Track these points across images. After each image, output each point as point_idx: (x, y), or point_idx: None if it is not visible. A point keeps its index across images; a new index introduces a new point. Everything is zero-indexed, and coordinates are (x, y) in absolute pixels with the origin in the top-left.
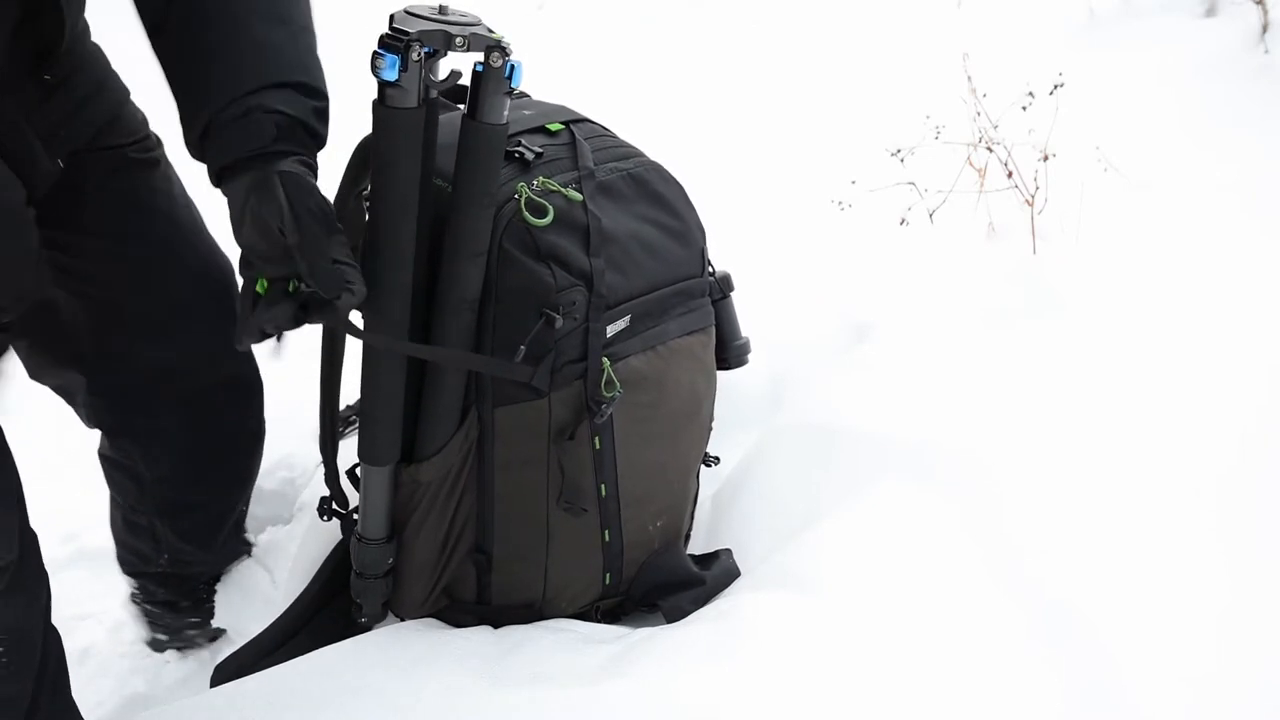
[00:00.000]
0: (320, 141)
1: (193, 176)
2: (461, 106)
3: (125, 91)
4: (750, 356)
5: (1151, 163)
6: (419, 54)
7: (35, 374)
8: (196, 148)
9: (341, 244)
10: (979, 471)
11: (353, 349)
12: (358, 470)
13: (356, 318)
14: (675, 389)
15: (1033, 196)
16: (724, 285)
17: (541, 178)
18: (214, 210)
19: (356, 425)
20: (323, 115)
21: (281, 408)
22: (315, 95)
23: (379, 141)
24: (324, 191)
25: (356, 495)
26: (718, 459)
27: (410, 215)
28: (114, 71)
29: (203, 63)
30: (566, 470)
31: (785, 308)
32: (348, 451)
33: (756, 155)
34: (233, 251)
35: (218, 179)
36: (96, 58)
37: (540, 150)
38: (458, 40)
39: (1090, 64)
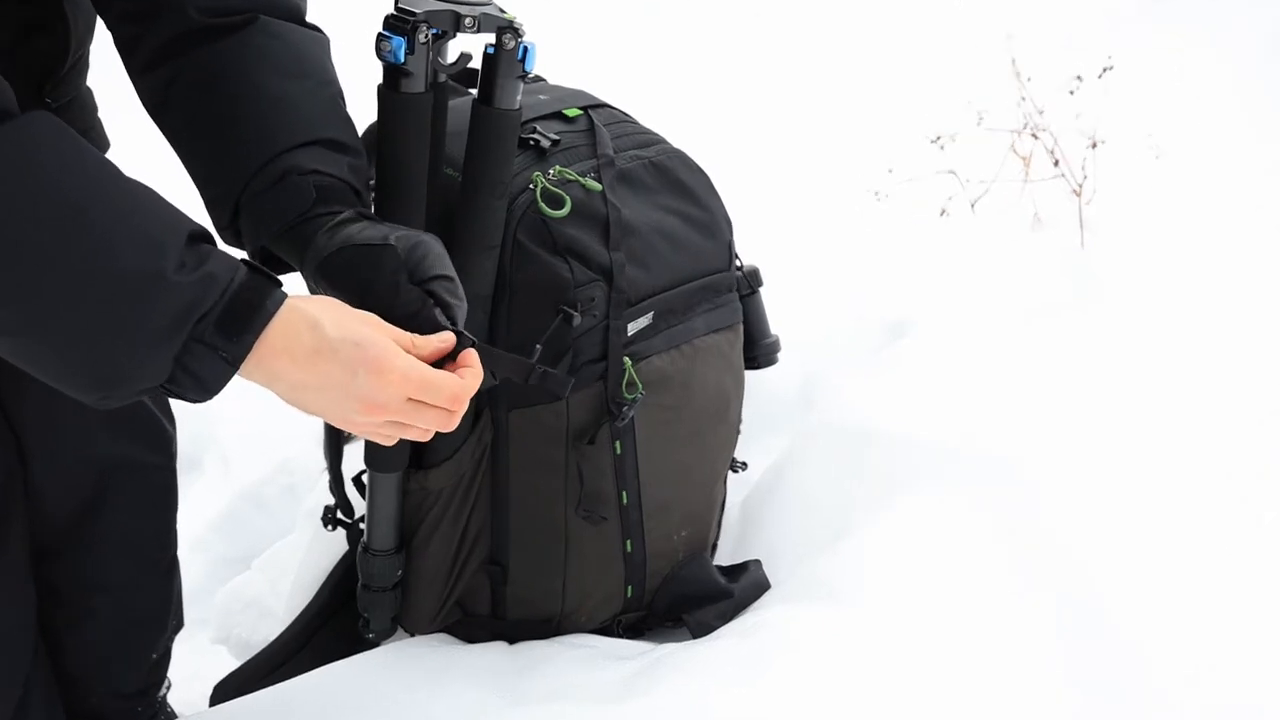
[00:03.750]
0: (365, 201)
1: None
2: (472, 91)
3: (106, 144)
4: (780, 355)
5: (1208, 150)
6: (426, 35)
7: None
8: (229, 231)
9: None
10: (1019, 478)
11: None
12: (364, 477)
13: None
14: (701, 390)
15: (1080, 186)
16: (752, 280)
17: (558, 166)
18: None
19: None
20: (360, 174)
21: (281, 410)
22: (348, 151)
23: (385, 129)
24: None
25: (363, 503)
26: (745, 464)
27: (419, 206)
28: (100, 122)
29: (219, 133)
30: (586, 476)
31: (817, 304)
32: (353, 457)
33: (788, 142)
34: None
35: (262, 259)
36: (88, 101)
37: (556, 137)
38: (467, 21)
39: (1142, 44)
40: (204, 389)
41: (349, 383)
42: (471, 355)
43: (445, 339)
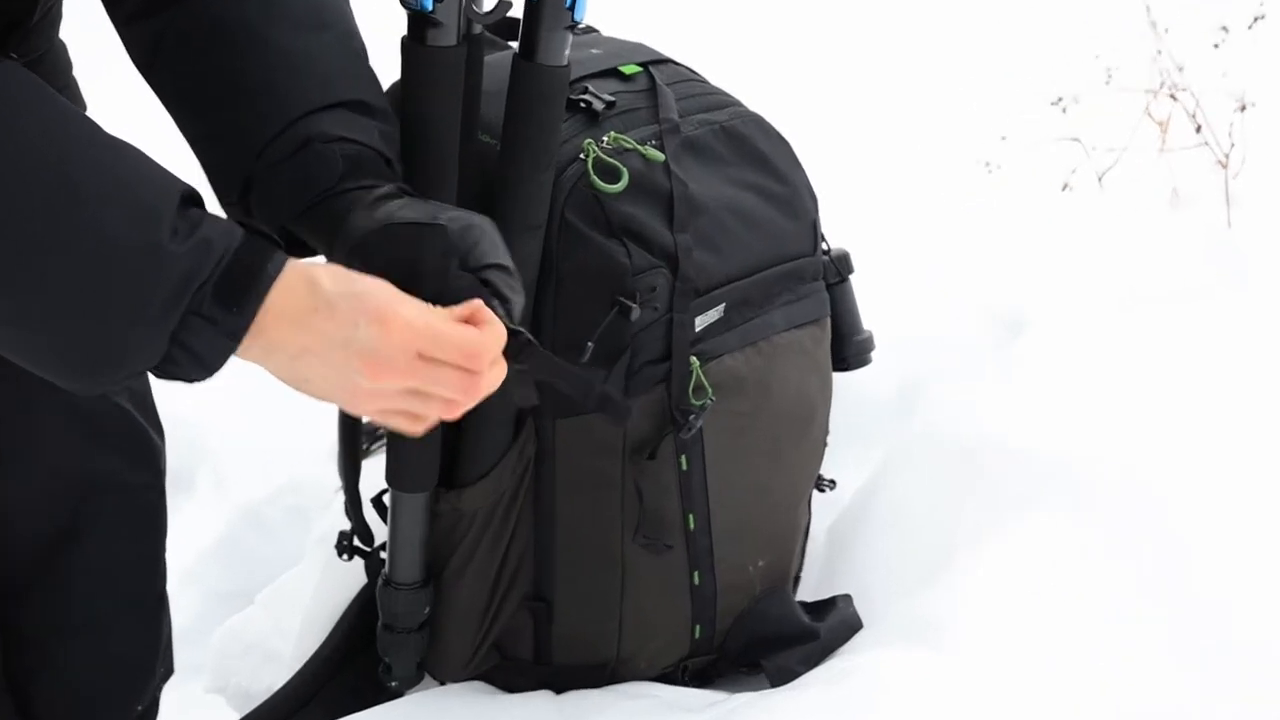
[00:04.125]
0: (396, 171)
1: None
2: (513, 45)
3: (83, 106)
4: (874, 355)
5: None
6: None
7: None
8: (238, 207)
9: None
10: (1154, 499)
11: None
12: (385, 497)
13: None
14: (781, 395)
15: (1227, 156)
16: (841, 266)
17: (614, 133)
18: None
19: (384, 441)
20: (392, 142)
21: (287, 419)
22: (377, 115)
23: (410, 88)
24: None
25: (384, 528)
26: (833, 482)
27: (449, 180)
28: (75, 81)
29: (223, 95)
30: (646, 496)
31: (917, 294)
32: (373, 474)
33: (882, 104)
34: None
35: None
36: (61, 57)
37: (612, 99)
38: None
39: None
40: (203, 366)
41: (351, 338)
42: (486, 312)
43: (471, 306)
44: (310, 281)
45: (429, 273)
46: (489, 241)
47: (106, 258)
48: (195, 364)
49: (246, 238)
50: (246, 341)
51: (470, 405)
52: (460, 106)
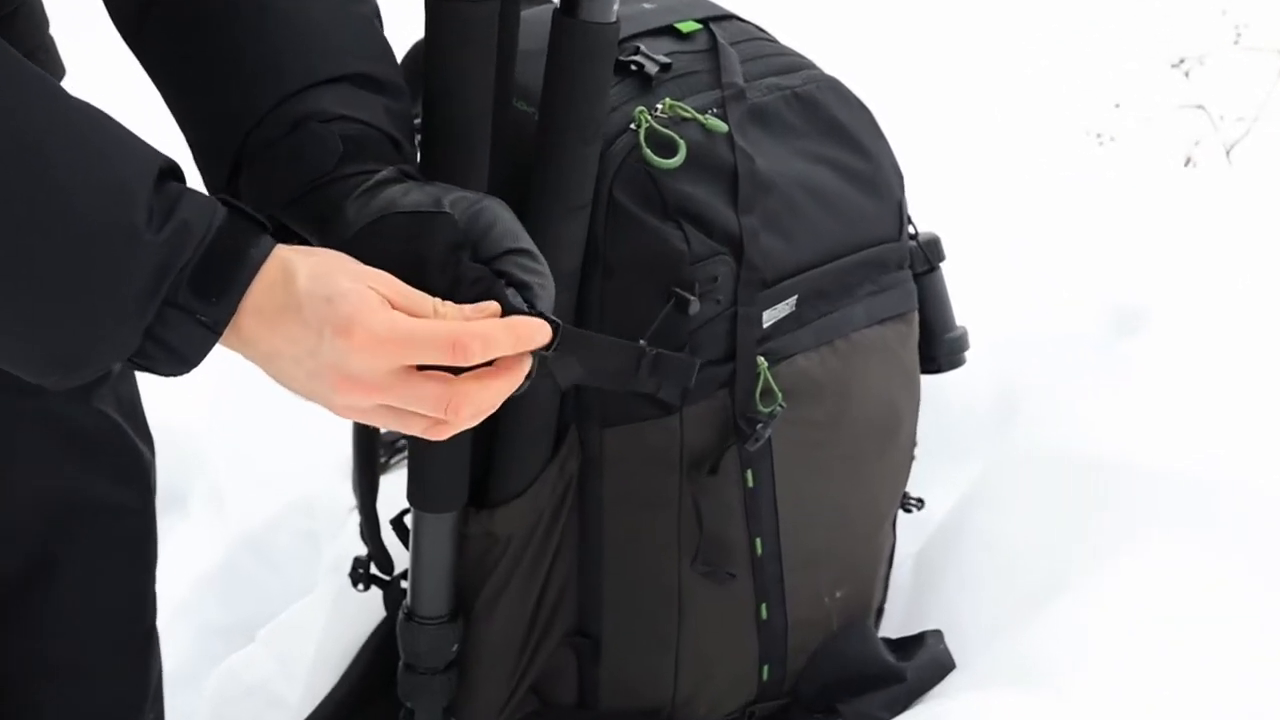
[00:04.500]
0: (408, 156)
1: None
2: None
3: (62, 70)
4: (968, 355)
5: None
6: None
7: None
8: (226, 193)
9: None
10: None
11: None
12: (407, 519)
13: None
14: (862, 401)
15: None
16: (931, 252)
17: (669, 100)
18: None
19: (405, 454)
20: (401, 120)
21: (298, 431)
22: (385, 90)
23: (436, 49)
24: None
25: (405, 554)
26: (921, 501)
27: (480, 153)
28: (52, 40)
29: (212, 66)
30: (706, 518)
31: (1018, 285)
32: (393, 492)
33: (976, 66)
34: None
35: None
36: (36, 12)
37: (667, 60)
38: None
39: None
40: (179, 360)
41: (316, 348)
42: (489, 305)
43: (484, 308)
44: (286, 274)
45: (435, 267)
46: (503, 224)
47: (73, 240)
48: (171, 359)
49: (229, 217)
50: (225, 333)
51: (460, 426)
52: (493, 70)
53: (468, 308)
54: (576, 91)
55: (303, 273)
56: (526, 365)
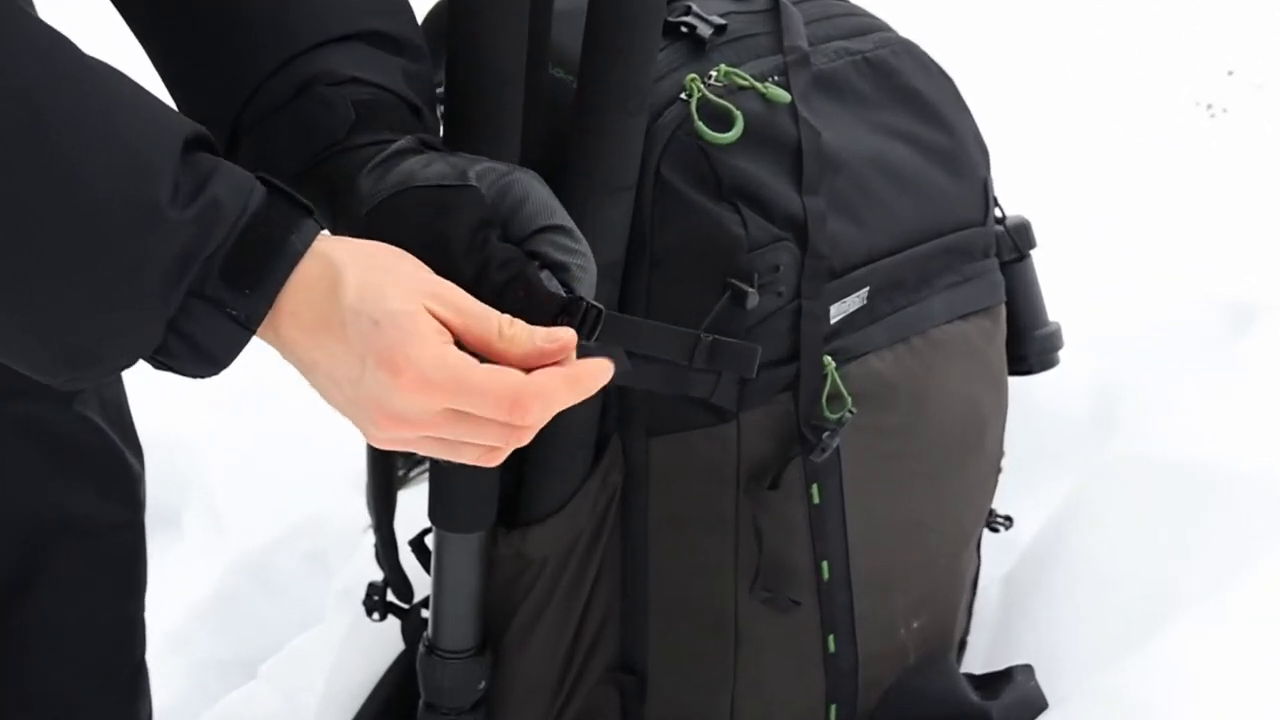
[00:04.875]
0: (428, 124)
1: None
2: None
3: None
4: (1062, 354)
5: None
6: None
7: None
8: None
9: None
10: None
11: None
12: (428, 540)
13: None
14: (942, 407)
15: None
16: (1020, 239)
17: (724, 66)
18: None
19: (425, 468)
20: (420, 83)
21: (306, 441)
22: (404, 50)
23: (460, 8)
24: None
25: (426, 579)
26: (1009, 520)
27: (511, 125)
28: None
29: (208, 21)
30: (767, 538)
31: (1117, 276)
32: (412, 509)
33: (1068, 29)
34: None
35: None
36: None
37: (722, 21)
38: None
39: None
40: (208, 360)
41: (359, 377)
42: (567, 347)
43: (557, 336)
44: (332, 280)
45: (460, 248)
46: (536, 199)
47: (78, 215)
48: (198, 357)
49: (268, 196)
50: (262, 330)
51: (516, 446)
52: (525, 29)
53: (540, 332)
54: (618, 56)
55: (351, 283)
56: (596, 385)
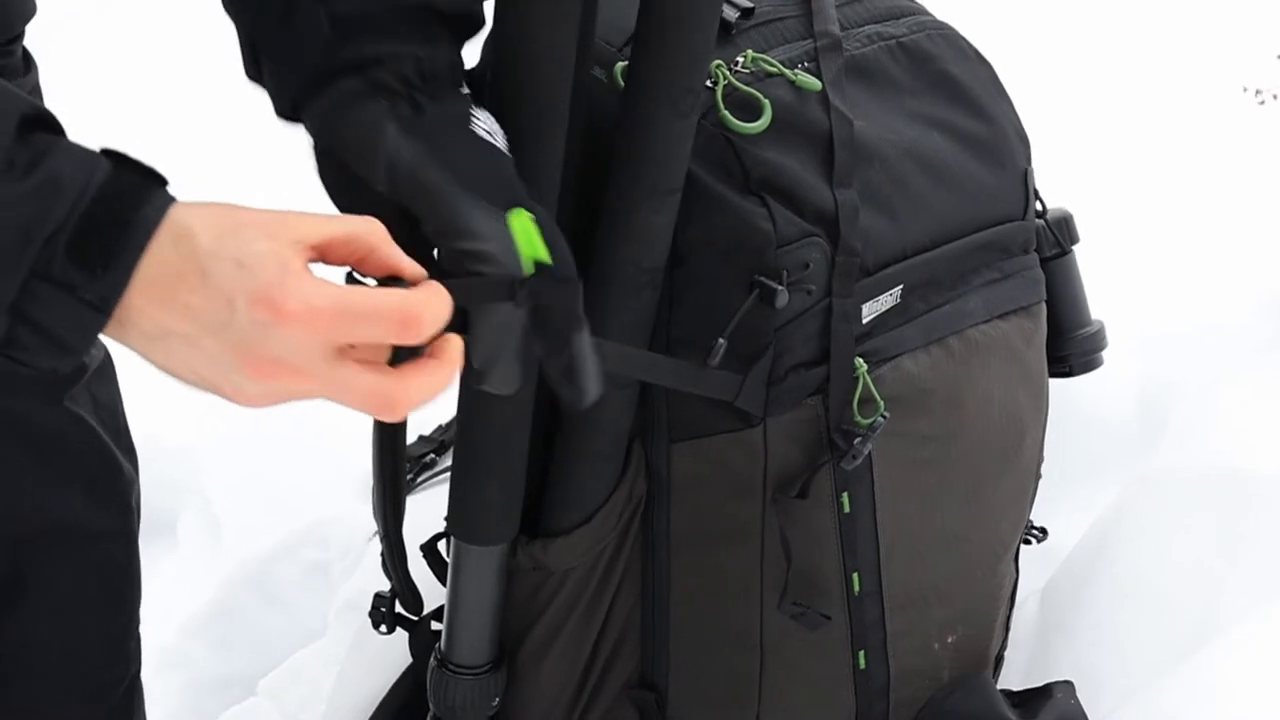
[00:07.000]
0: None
1: None
2: None
3: (33, 64)
4: (1106, 355)
5: None
6: None
7: None
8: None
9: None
10: None
11: None
12: (441, 547)
13: None
14: (979, 411)
15: None
16: (1062, 234)
17: (752, 52)
18: None
19: (438, 470)
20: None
21: (308, 445)
22: None
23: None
24: None
25: (438, 589)
26: (1045, 531)
27: (556, 126)
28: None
29: None
30: (795, 550)
31: (1163, 273)
32: (421, 514)
33: (1111, 13)
34: None
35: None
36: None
37: (750, 4)
38: None
39: None
40: (60, 349)
41: (226, 320)
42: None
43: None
44: (181, 236)
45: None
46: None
47: None
48: (49, 346)
49: (113, 171)
50: None
51: (395, 418)
52: (574, 28)
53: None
54: (666, 51)
55: (204, 230)
56: (460, 350)
